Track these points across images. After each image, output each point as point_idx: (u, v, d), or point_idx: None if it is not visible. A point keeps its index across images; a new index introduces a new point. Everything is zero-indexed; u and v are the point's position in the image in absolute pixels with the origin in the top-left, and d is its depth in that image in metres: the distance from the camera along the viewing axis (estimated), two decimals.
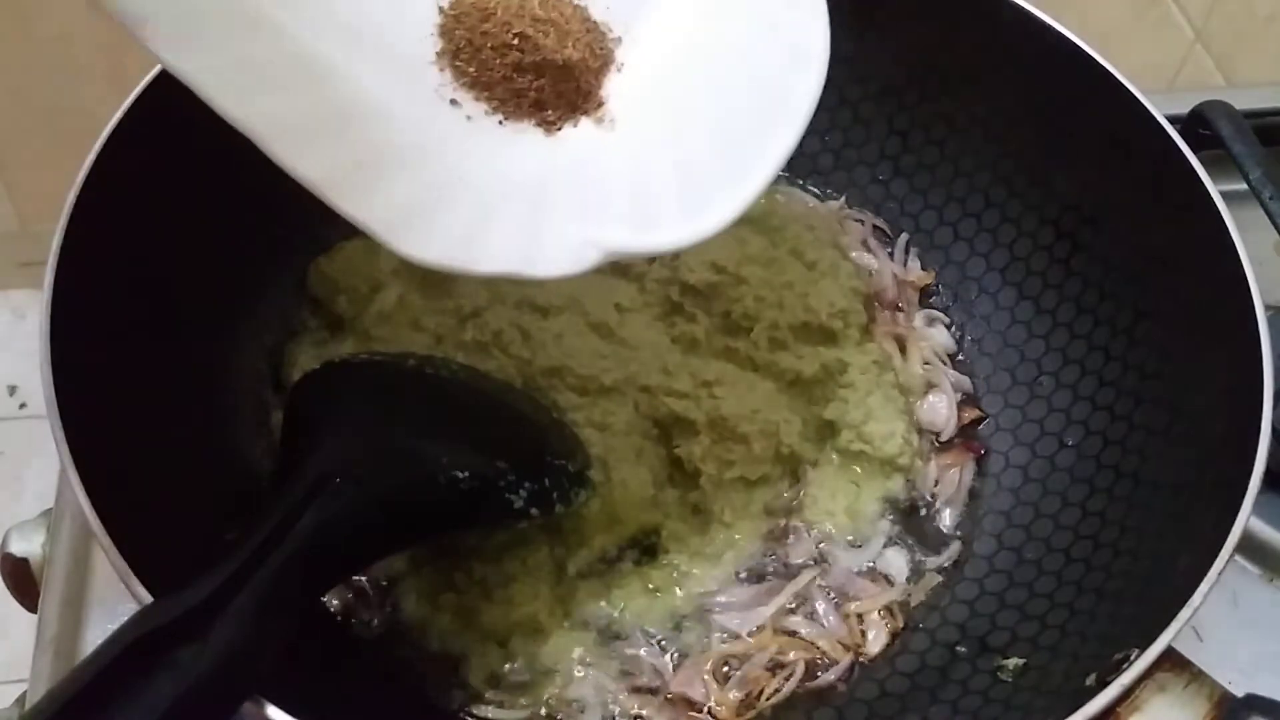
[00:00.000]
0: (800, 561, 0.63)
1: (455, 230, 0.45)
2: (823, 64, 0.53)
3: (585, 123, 0.53)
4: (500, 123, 0.52)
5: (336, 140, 0.44)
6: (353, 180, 0.43)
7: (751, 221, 0.76)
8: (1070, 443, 0.66)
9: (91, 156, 0.57)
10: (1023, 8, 0.69)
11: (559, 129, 0.53)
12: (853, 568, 0.64)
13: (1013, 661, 0.58)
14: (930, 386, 0.71)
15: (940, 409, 0.70)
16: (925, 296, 0.76)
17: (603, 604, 0.60)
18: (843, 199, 0.79)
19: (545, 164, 0.50)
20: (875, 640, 0.61)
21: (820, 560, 0.63)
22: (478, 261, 0.45)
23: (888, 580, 0.64)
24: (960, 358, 0.73)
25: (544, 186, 0.49)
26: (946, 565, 0.65)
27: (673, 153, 0.52)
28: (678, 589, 0.61)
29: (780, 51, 0.54)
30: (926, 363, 0.72)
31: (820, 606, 0.62)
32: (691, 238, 0.50)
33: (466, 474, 0.51)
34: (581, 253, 0.47)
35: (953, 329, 0.74)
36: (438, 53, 0.53)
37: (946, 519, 0.66)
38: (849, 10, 0.74)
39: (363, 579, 0.60)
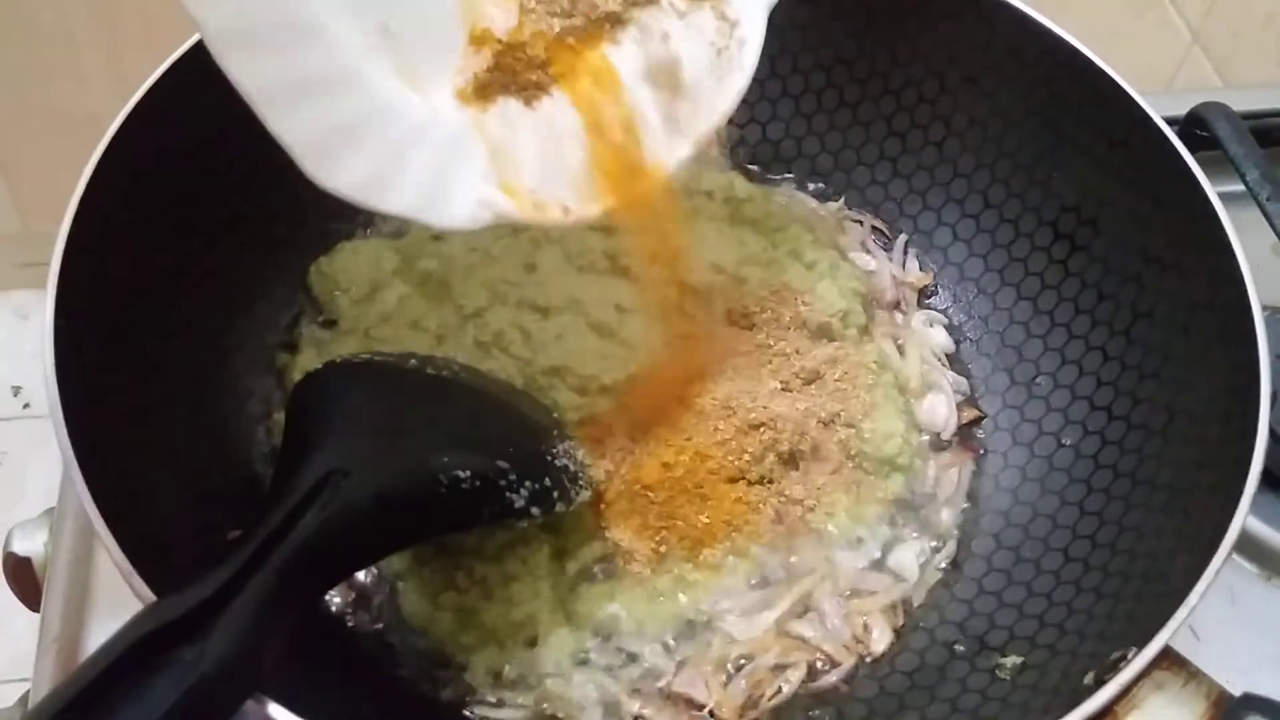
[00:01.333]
0: (802, 563, 0.63)
1: (368, 166, 0.48)
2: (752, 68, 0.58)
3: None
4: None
5: (279, 55, 0.46)
6: (284, 96, 0.46)
7: (751, 223, 0.76)
8: (1068, 443, 0.67)
9: (95, 157, 0.57)
10: (1021, 9, 0.69)
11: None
12: (855, 568, 0.64)
13: (1011, 660, 0.58)
14: (929, 387, 0.71)
15: (939, 409, 0.71)
16: (924, 297, 0.76)
17: (604, 604, 0.60)
18: (842, 200, 0.80)
19: (470, 121, 0.53)
20: (879, 640, 0.61)
21: (822, 561, 0.63)
22: (382, 199, 0.49)
23: (890, 580, 0.64)
24: (959, 358, 0.73)
25: (461, 141, 0.52)
26: (946, 564, 0.65)
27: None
28: (680, 592, 0.61)
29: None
30: (925, 363, 0.72)
31: (824, 608, 0.62)
32: (578, 219, 0.55)
33: (468, 473, 0.51)
34: (478, 211, 0.51)
35: (951, 329, 0.74)
36: None
37: (946, 518, 0.67)
38: (849, 11, 0.75)
39: (363, 579, 0.61)
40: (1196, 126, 0.80)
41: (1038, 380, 0.70)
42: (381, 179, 0.49)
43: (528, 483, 0.54)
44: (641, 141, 0.56)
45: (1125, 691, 0.48)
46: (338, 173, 0.48)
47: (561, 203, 0.54)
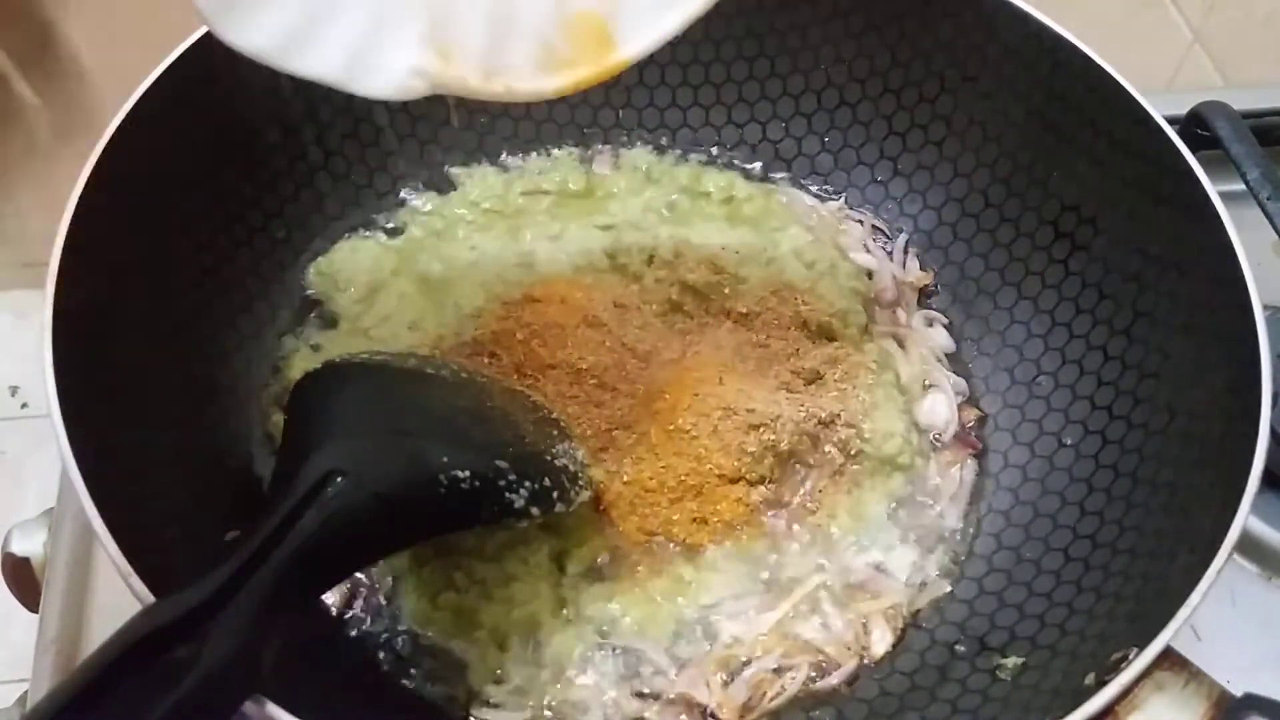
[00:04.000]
0: (803, 564, 0.63)
1: (284, 24, 0.44)
2: None
3: None
4: None
5: None
6: None
7: (751, 222, 0.76)
8: (1069, 442, 0.66)
9: (93, 157, 0.57)
10: (1022, 8, 0.69)
11: None
12: (856, 569, 0.63)
13: (1011, 660, 0.58)
14: (930, 387, 0.71)
15: (940, 409, 0.70)
16: (924, 297, 0.76)
17: (604, 605, 0.60)
18: (842, 199, 0.80)
19: None
20: (880, 642, 0.61)
21: (823, 562, 0.63)
22: (296, 61, 0.45)
23: (890, 581, 0.64)
24: (959, 358, 0.73)
25: (399, 4, 0.47)
26: (947, 564, 0.65)
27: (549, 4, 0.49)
28: (679, 593, 0.61)
29: None
30: (925, 363, 0.72)
31: (825, 610, 0.62)
32: (535, 93, 0.49)
33: (467, 473, 0.51)
34: (410, 80, 0.47)
35: (951, 329, 0.74)
36: None
37: (948, 518, 0.66)
38: (849, 11, 0.75)
39: (363, 579, 0.61)
40: (1197, 125, 0.81)
41: (1038, 380, 0.70)
42: (300, 37, 0.44)
43: (527, 483, 0.54)
44: (621, 2, 0.49)
45: (1126, 692, 0.48)
46: (249, 29, 0.43)
47: (511, 73, 0.48)
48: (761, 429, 0.63)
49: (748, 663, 0.60)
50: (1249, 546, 0.69)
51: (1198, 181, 0.61)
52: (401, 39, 0.47)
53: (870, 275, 0.75)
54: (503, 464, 0.53)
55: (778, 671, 0.60)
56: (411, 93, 0.47)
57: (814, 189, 0.80)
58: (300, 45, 0.45)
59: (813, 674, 0.60)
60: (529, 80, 0.49)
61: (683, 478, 0.62)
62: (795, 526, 0.64)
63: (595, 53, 0.49)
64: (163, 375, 0.59)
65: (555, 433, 0.60)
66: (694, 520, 0.62)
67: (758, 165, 0.80)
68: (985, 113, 0.73)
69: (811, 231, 0.76)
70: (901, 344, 0.73)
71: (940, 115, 0.76)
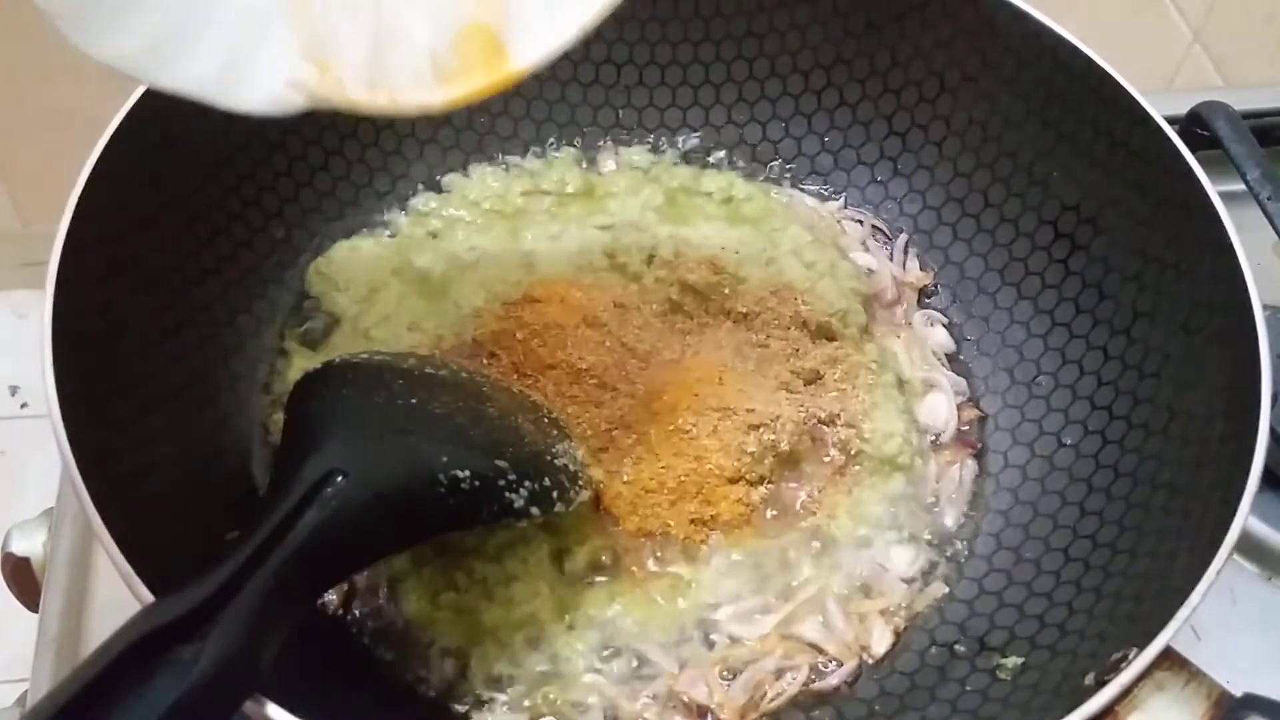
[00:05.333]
0: (803, 564, 0.63)
1: (146, 32, 0.42)
2: None
3: None
4: None
5: None
6: None
7: (751, 222, 0.76)
8: (1069, 442, 0.66)
9: (93, 157, 0.57)
10: (1021, 9, 0.69)
11: None
12: (856, 569, 0.63)
13: (1011, 660, 0.58)
14: (929, 387, 0.71)
15: (940, 409, 0.70)
16: (924, 297, 0.76)
17: (605, 605, 0.60)
18: (842, 199, 0.80)
19: None
20: (880, 641, 0.61)
21: (823, 562, 0.63)
22: (160, 74, 0.42)
23: (890, 580, 0.63)
24: (959, 358, 0.73)
25: (272, 14, 0.44)
26: (947, 564, 0.65)
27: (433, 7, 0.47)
28: (680, 594, 0.61)
29: None
30: (925, 363, 0.72)
31: (826, 610, 0.62)
32: (422, 105, 0.47)
33: (467, 473, 0.51)
34: (286, 93, 0.45)
35: (951, 329, 0.74)
36: None
37: (947, 518, 0.66)
38: (849, 11, 0.75)
39: (363, 579, 0.61)
40: (1197, 125, 0.81)
41: (1038, 380, 0.70)
42: (165, 49, 0.42)
43: (527, 483, 0.54)
44: (513, 13, 0.47)
45: (1126, 692, 0.48)
46: (107, 39, 0.40)
47: (395, 85, 0.46)
48: (761, 429, 0.63)
49: (748, 663, 0.60)
50: (1249, 546, 0.69)
51: (1198, 181, 0.61)
52: (277, 51, 0.44)
53: (870, 275, 0.75)
54: (503, 464, 0.53)
55: (778, 672, 0.60)
56: (288, 106, 0.45)
57: (814, 189, 0.80)
58: (165, 57, 0.42)
59: (813, 674, 0.60)
60: (415, 92, 0.47)
61: (683, 478, 0.62)
62: (795, 527, 0.64)
63: (487, 63, 0.47)
64: (163, 375, 0.59)
65: (555, 433, 0.60)
66: (694, 520, 0.62)
67: (758, 165, 0.80)
68: (985, 113, 0.73)
69: (811, 231, 0.76)
70: (901, 344, 0.73)
71: (940, 115, 0.76)
